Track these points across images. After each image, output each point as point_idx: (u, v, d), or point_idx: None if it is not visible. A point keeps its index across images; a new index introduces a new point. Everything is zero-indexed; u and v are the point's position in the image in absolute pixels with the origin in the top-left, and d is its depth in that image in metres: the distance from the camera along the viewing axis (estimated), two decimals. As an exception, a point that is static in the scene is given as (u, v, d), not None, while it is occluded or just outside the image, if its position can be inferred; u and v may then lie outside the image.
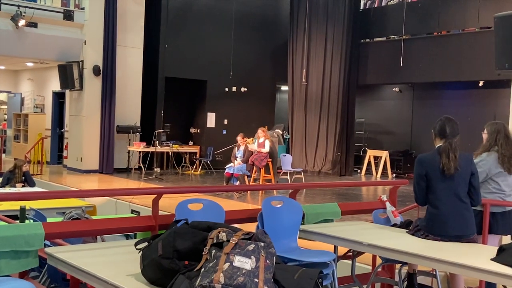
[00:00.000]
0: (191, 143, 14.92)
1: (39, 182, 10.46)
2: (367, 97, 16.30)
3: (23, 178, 8.33)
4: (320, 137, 14.75)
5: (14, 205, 5.54)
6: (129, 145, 13.02)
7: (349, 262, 4.25)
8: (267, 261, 2.17)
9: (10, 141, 16.39)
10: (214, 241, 2.26)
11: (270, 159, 11.12)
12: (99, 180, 12.01)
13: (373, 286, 4.54)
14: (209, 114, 15.06)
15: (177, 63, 14.28)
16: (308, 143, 15.01)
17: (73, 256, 2.77)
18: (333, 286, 3.67)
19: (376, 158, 14.79)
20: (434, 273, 4.20)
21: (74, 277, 2.70)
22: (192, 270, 2.24)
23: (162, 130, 13.61)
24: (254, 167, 10.87)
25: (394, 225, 4.28)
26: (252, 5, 15.48)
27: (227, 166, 11.24)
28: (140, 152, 12.94)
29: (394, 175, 14.36)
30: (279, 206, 3.94)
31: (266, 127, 13.05)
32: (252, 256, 2.15)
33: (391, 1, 14.58)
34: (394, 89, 15.77)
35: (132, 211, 8.17)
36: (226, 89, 15.15)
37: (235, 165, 10.79)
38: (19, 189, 7.77)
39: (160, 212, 3.92)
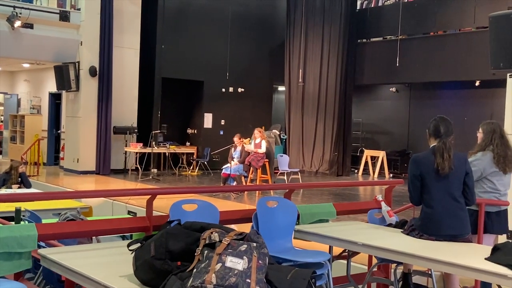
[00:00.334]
0: (188, 143, 14.91)
1: (35, 183, 10.43)
2: (364, 97, 16.31)
3: (19, 179, 8.31)
4: (317, 138, 14.76)
5: (10, 207, 5.52)
6: (126, 146, 13.00)
7: (345, 262, 4.25)
8: (260, 262, 2.17)
9: (6, 143, 16.36)
10: (207, 241, 2.25)
11: (267, 160, 11.12)
12: (96, 181, 11.99)
13: (369, 286, 4.54)
14: (206, 114, 15.05)
15: (173, 63, 14.27)
16: (305, 143, 15.01)
17: (66, 257, 2.76)
18: (328, 286, 3.67)
19: (373, 158, 14.80)
20: (430, 272, 4.20)
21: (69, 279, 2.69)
22: (184, 271, 2.23)
23: (159, 131, 13.60)
24: (251, 168, 10.87)
25: (389, 225, 4.28)
26: (248, 5, 15.48)
27: (224, 167, 11.23)
28: (137, 153, 12.92)
29: (391, 175, 14.37)
30: (274, 206, 3.94)
31: (263, 127, 13.04)
32: (244, 257, 2.14)
33: (388, 1, 14.60)
34: (391, 89, 15.79)
35: (129, 212, 8.16)
36: (223, 90, 15.15)
37: (232, 166, 10.78)
38: (15, 190, 7.75)
39: (157, 213, 3.91)
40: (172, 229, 2.43)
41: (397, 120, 15.54)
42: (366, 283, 4.24)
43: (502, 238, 4.73)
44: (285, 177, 12.22)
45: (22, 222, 4.52)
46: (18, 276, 3.46)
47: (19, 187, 8.14)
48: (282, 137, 15.63)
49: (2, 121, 17.54)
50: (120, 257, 2.70)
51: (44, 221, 4.39)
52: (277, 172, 12.36)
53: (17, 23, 11.46)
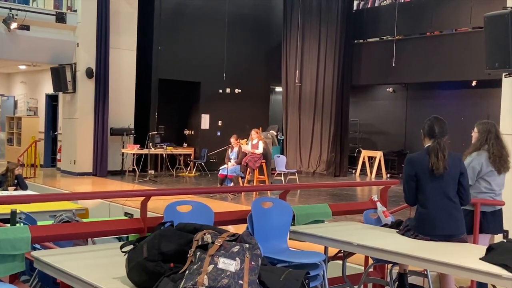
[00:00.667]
0: (185, 145, 14.90)
1: (32, 185, 10.41)
2: (361, 97, 16.32)
3: (16, 181, 8.29)
4: (314, 138, 14.76)
5: (6, 209, 5.50)
6: (123, 148, 12.98)
7: (340, 262, 4.25)
8: (252, 263, 2.16)
9: (3, 145, 16.32)
10: (199, 243, 2.25)
11: (264, 160, 11.12)
12: (93, 182, 11.97)
13: (365, 287, 4.54)
14: (203, 115, 15.04)
15: (170, 65, 14.26)
16: (302, 144, 15.01)
17: (60, 259, 2.76)
18: (323, 287, 3.66)
19: (371, 159, 14.81)
20: (426, 273, 4.20)
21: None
22: (177, 273, 2.23)
23: (156, 132, 13.58)
24: (248, 169, 10.87)
25: (385, 225, 4.27)
26: (245, 6, 15.48)
27: (221, 168, 11.22)
28: (134, 154, 12.91)
29: (388, 175, 14.38)
30: (269, 207, 3.93)
31: (260, 128, 13.05)
32: (237, 258, 2.14)
33: (384, 2, 14.61)
34: (387, 90, 15.80)
35: (126, 214, 8.14)
36: (220, 91, 15.14)
37: (229, 167, 10.78)
38: (11, 192, 7.73)
39: (153, 214, 3.90)
40: (165, 231, 2.42)
41: (394, 120, 15.56)
42: (362, 283, 4.23)
43: (498, 238, 4.74)
44: (282, 178, 12.21)
45: (17, 224, 4.52)
46: (13, 279, 3.44)
47: (15, 189, 8.12)
48: (279, 137, 15.63)
49: (-1, 123, 17.51)
50: (114, 259, 2.70)
51: (40, 223, 4.38)
52: (274, 173, 12.35)
53: (13, 25, 11.43)
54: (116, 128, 13.04)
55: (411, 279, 4.36)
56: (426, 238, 3.60)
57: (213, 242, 2.21)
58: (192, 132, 15.25)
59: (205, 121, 15.06)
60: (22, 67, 14.77)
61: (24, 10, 11.64)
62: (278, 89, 16.92)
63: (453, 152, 3.74)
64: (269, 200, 4.07)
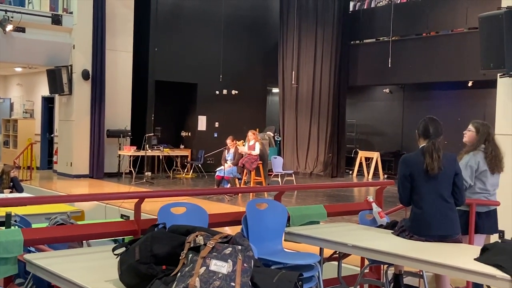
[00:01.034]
0: (182, 146, 14.88)
1: (28, 187, 10.38)
2: (358, 98, 16.33)
3: (11, 184, 8.25)
4: (311, 139, 14.76)
5: (1, 211, 5.48)
6: (120, 149, 12.96)
7: (336, 263, 4.24)
8: (245, 265, 2.15)
9: (-1, 147, 16.28)
10: (191, 245, 2.24)
11: (261, 162, 11.11)
12: (89, 185, 11.94)
13: (361, 287, 4.53)
14: (200, 117, 15.03)
15: (167, 66, 14.25)
16: (299, 145, 15.01)
17: (53, 262, 2.74)
18: (318, 289, 3.65)
19: (368, 159, 14.81)
20: (421, 273, 4.19)
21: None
22: (169, 275, 2.22)
23: (153, 134, 13.56)
24: (245, 170, 10.86)
25: (380, 226, 4.27)
26: (241, 7, 15.47)
27: (217, 169, 11.21)
28: (130, 156, 12.88)
29: (385, 176, 14.38)
30: (263, 208, 3.92)
31: (257, 129, 13.04)
32: (229, 260, 2.13)
33: (380, 3, 14.62)
34: (384, 90, 15.81)
35: (122, 216, 8.11)
36: (217, 92, 15.12)
37: (226, 168, 10.77)
38: (6, 195, 7.70)
39: (150, 216, 3.88)
40: (157, 233, 2.41)
41: (391, 121, 15.57)
42: (357, 284, 4.22)
43: (494, 238, 4.74)
44: (279, 179, 12.21)
45: (12, 227, 4.50)
46: (8, 282, 3.43)
47: (11, 192, 8.08)
48: (276, 139, 15.62)
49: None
50: (107, 262, 2.68)
51: (35, 225, 4.37)
52: (271, 174, 12.34)
53: (9, 27, 11.40)
54: (112, 130, 13.02)
55: (407, 280, 4.35)
56: (421, 239, 3.59)
57: (205, 244, 2.20)
58: (189, 134, 15.23)
59: (202, 123, 15.04)
60: (18, 69, 14.74)
61: (19, 12, 11.62)
62: (275, 90, 16.92)
63: (448, 152, 3.74)
64: (264, 201, 4.06)
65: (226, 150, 11.26)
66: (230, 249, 2.17)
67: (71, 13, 12.83)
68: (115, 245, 2.58)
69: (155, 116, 14.17)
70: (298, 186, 10.95)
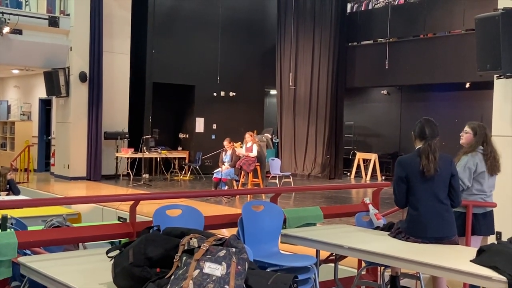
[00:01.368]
0: (179, 148, 14.86)
1: (25, 190, 10.36)
2: (356, 100, 16.34)
3: (8, 186, 8.23)
4: (309, 141, 14.76)
5: (-3, 214, 5.46)
6: (117, 152, 12.93)
7: (333, 265, 4.22)
8: (239, 267, 2.14)
9: (-4, 149, 16.25)
10: (186, 247, 2.23)
11: (258, 164, 11.10)
12: (86, 187, 11.92)
13: (358, 289, 4.52)
14: (197, 119, 15.01)
15: (164, 68, 14.23)
16: (297, 146, 15.01)
17: (47, 265, 2.73)
18: (314, 291, 3.64)
19: (365, 161, 14.81)
20: (418, 275, 4.18)
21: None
22: (163, 278, 2.21)
23: (150, 136, 13.54)
24: (242, 172, 10.85)
25: (377, 227, 4.25)
26: (239, 9, 15.48)
27: (215, 171, 11.20)
28: (128, 158, 12.86)
29: (383, 177, 14.38)
30: (260, 210, 3.91)
31: (255, 131, 13.04)
32: (223, 262, 2.12)
33: (378, 5, 14.63)
34: (382, 92, 15.82)
35: (119, 218, 8.08)
36: (215, 94, 15.12)
37: (223, 170, 10.75)
38: (3, 197, 7.67)
39: (147, 219, 3.87)
40: (151, 235, 2.40)
41: (389, 123, 15.57)
42: (354, 286, 4.21)
43: (491, 239, 4.74)
44: (277, 181, 12.20)
45: (8, 230, 4.48)
46: (3, 285, 3.41)
47: (7, 194, 8.06)
48: (274, 140, 15.61)
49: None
50: (102, 264, 2.66)
51: (31, 228, 4.35)
52: (269, 176, 12.34)
53: (6, 29, 11.38)
54: (110, 132, 13.00)
55: (404, 282, 4.34)
56: (418, 241, 3.58)
57: (199, 247, 2.19)
58: (187, 136, 15.21)
59: (199, 125, 15.03)
60: (15, 71, 14.71)
61: (16, 14, 11.60)
62: (273, 92, 16.92)
63: (445, 153, 3.73)
64: (260, 203, 4.04)
65: (224, 152, 11.25)
66: (224, 251, 2.16)
67: (68, 15, 12.82)
68: (109, 247, 2.57)
69: (153, 118, 14.15)
70: (295, 188, 10.95)
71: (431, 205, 3.60)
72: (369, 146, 15.88)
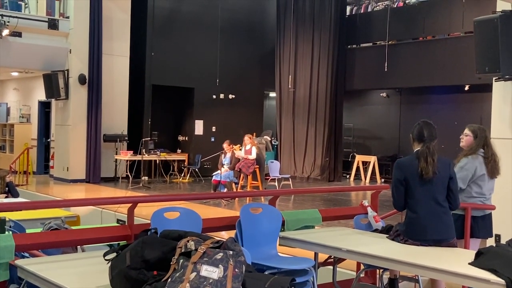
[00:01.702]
0: (179, 151, 14.85)
1: (24, 192, 10.35)
2: (355, 102, 16.34)
3: (7, 188, 8.23)
4: (308, 143, 14.75)
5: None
6: (116, 154, 12.92)
7: (331, 268, 4.21)
8: (236, 270, 2.13)
9: (-4, 152, 16.24)
10: (183, 250, 2.22)
11: (258, 166, 11.10)
12: (85, 189, 11.90)
13: (356, 292, 4.50)
14: (197, 121, 15.01)
15: (164, 70, 14.24)
16: (296, 149, 15.01)
17: (44, 267, 2.72)
18: (313, 293, 3.63)
19: (365, 163, 14.80)
20: (417, 278, 4.17)
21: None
22: (159, 281, 2.20)
23: (150, 138, 13.53)
24: (242, 174, 10.84)
25: (376, 230, 4.25)
26: (238, 11, 15.49)
27: (214, 174, 11.19)
28: (127, 160, 12.85)
29: (382, 180, 14.37)
30: (258, 213, 3.90)
31: (254, 134, 13.03)
32: (220, 265, 2.11)
33: (377, 7, 14.66)
34: (381, 94, 15.82)
35: (118, 221, 8.07)
36: (214, 96, 15.12)
37: (222, 173, 10.74)
38: (1, 200, 7.67)
39: (146, 221, 3.85)
40: (148, 238, 2.39)
41: (388, 125, 15.57)
42: (353, 289, 4.20)
43: (490, 242, 4.73)
44: (276, 183, 12.19)
45: (6, 232, 4.47)
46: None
47: (6, 197, 8.06)
48: (273, 143, 15.61)
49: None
50: (99, 267, 2.66)
51: (29, 230, 4.34)
52: (268, 178, 12.33)
53: (5, 32, 11.37)
54: (109, 134, 12.99)
55: (402, 284, 4.33)
56: (416, 243, 3.58)
57: (196, 249, 2.18)
58: (186, 138, 15.21)
59: (199, 127, 15.03)
60: (15, 74, 14.71)
61: (16, 17, 11.60)
62: (272, 94, 16.92)
63: (444, 156, 3.73)
64: (258, 206, 4.04)
65: (223, 155, 11.24)
66: (221, 254, 2.16)
67: (67, 17, 12.83)
68: (106, 250, 2.56)
69: (152, 120, 14.15)
70: (294, 191, 10.94)
71: (429, 208, 3.59)
72: (369, 149, 15.87)
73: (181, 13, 14.65)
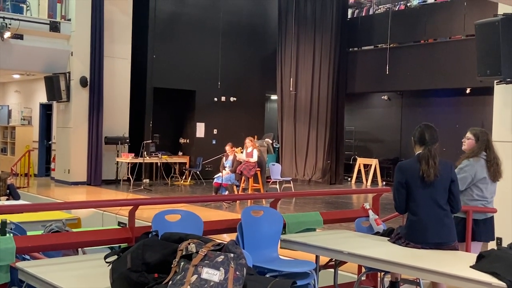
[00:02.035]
0: (180, 153, 14.85)
1: (25, 195, 10.35)
2: (356, 105, 16.34)
3: (8, 191, 8.23)
4: (309, 146, 14.75)
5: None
6: (118, 156, 12.93)
7: (332, 271, 4.20)
8: (237, 273, 2.13)
9: (-3, 154, 16.25)
10: (184, 252, 2.22)
11: (259, 169, 11.09)
12: (87, 192, 11.90)
13: (357, 295, 4.49)
14: (198, 124, 15.02)
15: (165, 73, 14.25)
16: (297, 152, 15.00)
17: (45, 270, 2.72)
18: (314, 296, 3.63)
19: (366, 166, 14.79)
20: (418, 281, 4.16)
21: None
22: (160, 283, 2.20)
23: (151, 141, 13.53)
24: (243, 177, 10.83)
25: (377, 233, 4.24)
26: (240, 14, 15.51)
27: (215, 176, 11.18)
28: (128, 163, 12.86)
29: (384, 183, 14.36)
30: (259, 216, 3.90)
31: (255, 136, 13.03)
32: (221, 268, 2.11)
33: (378, 10, 14.66)
34: (383, 97, 15.82)
35: (119, 223, 8.07)
36: (215, 99, 15.13)
37: (224, 175, 10.74)
38: (3, 202, 7.67)
39: (147, 224, 3.85)
40: (149, 241, 2.39)
41: (390, 128, 15.56)
42: (354, 292, 4.19)
43: (491, 245, 4.72)
44: (277, 186, 12.18)
45: (7, 235, 4.47)
46: (2, 290, 3.40)
47: (7, 199, 8.06)
48: (274, 146, 15.61)
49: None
50: (100, 270, 2.65)
51: (30, 233, 4.34)
52: (269, 181, 12.32)
53: (7, 34, 11.41)
54: (110, 137, 13.00)
55: (404, 288, 4.33)
56: (417, 246, 3.57)
57: (197, 252, 2.18)
58: (187, 141, 15.21)
59: (200, 130, 15.03)
60: (16, 76, 14.73)
61: (17, 19, 11.62)
62: (274, 97, 16.93)
63: (446, 159, 3.72)
64: (259, 208, 4.03)
65: (225, 157, 11.24)
66: (222, 257, 2.15)
67: (69, 20, 12.85)
68: (107, 253, 2.56)
69: (153, 123, 14.16)
70: (295, 193, 10.93)
71: (431, 211, 3.58)
72: (370, 152, 15.86)
73: (182, 15, 14.67)
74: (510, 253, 3.10)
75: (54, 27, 12.47)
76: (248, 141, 11.02)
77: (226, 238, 5.29)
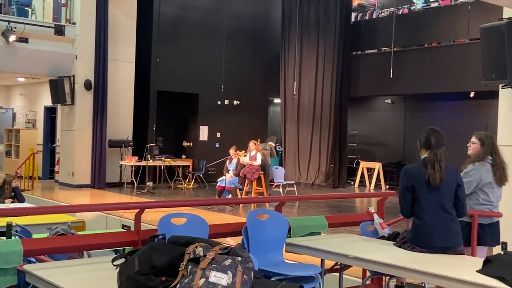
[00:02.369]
0: (184, 156, 14.87)
1: (29, 197, 10.37)
2: (360, 109, 16.33)
3: (13, 193, 8.25)
4: (313, 149, 14.74)
5: (2, 222, 5.46)
6: (121, 160, 12.95)
7: (338, 275, 4.20)
8: (244, 276, 2.14)
9: (1, 157, 16.29)
10: (191, 256, 2.22)
11: (262, 172, 11.09)
12: (91, 195, 11.93)
13: (362, 299, 4.49)
14: (201, 127, 15.04)
15: (169, 76, 14.28)
16: (301, 155, 15.00)
17: (51, 273, 2.73)
18: (319, 300, 3.62)
19: (369, 170, 14.77)
20: (423, 285, 4.16)
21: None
22: (168, 287, 2.20)
23: (155, 144, 13.56)
24: (246, 180, 10.83)
25: (382, 237, 4.24)
26: (243, 18, 15.54)
27: (219, 179, 11.19)
28: (132, 166, 12.88)
29: (387, 186, 14.34)
30: (264, 219, 3.90)
31: (259, 140, 13.03)
32: (229, 271, 2.11)
33: (382, 14, 14.67)
34: (386, 101, 15.81)
35: (123, 226, 8.08)
36: (219, 102, 15.15)
37: (227, 178, 10.75)
38: (7, 205, 7.69)
39: (151, 227, 3.86)
40: (156, 244, 2.40)
41: (393, 132, 15.55)
42: (359, 296, 4.19)
43: (497, 250, 4.71)
44: (281, 190, 12.18)
45: (13, 237, 4.49)
46: (7, 293, 3.41)
47: (12, 202, 8.07)
48: (278, 149, 15.61)
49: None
50: (106, 273, 2.66)
51: (36, 235, 4.35)
52: (273, 185, 12.31)
53: (12, 37, 11.46)
54: (114, 140, 13.03)
55: (409, 292, 4.32)
56: (423, 250, 3.57)
57: (205, 255, 2.19)
58: (191, 144, 15.23)
59: (203, 133, 15.05)
60: (21, 79, 14.79)
61: (22, 23, 11.68)
62: (277, 100, 16.94)
63: (451, 163, 3.72)
64: (264, 212, 4.04)
65: (228, 160, 11.25)
66: (230, 260, 2.16)
67: (74, 23, 12.90)
68: (115, 256, 2.57)
69: (157, 126, 14.18)
70: (299, 197, 10.92)
71: (436, 215, 3.58)
72: (373, 155, 15.84)
73: (186, 19, 14.71)
74: (517, 258, 3.09)
75: (59, 30, 12.52)
76: (251, 144, 11.03)
77: (230, 241, 5.29)
